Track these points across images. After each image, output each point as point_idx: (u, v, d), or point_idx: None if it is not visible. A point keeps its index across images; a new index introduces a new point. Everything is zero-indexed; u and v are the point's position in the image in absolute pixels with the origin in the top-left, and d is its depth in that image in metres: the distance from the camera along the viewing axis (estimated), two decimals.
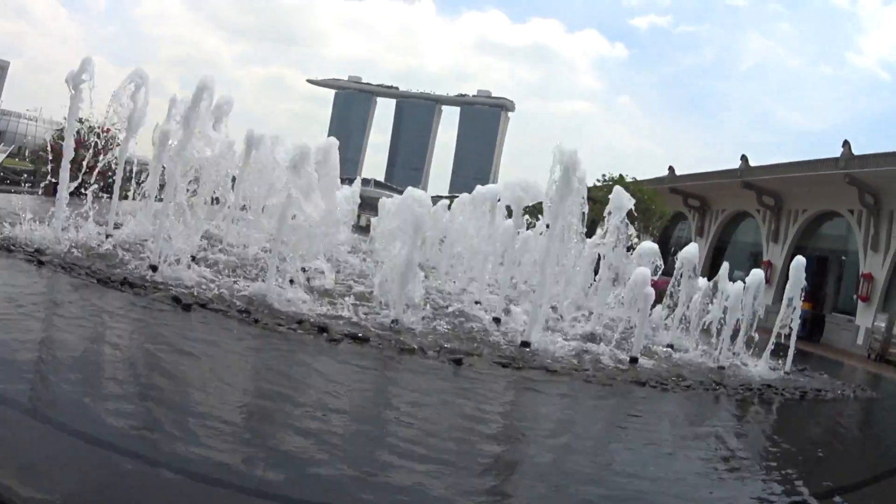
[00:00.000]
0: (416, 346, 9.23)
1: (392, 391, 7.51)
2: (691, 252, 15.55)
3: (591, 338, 13.41)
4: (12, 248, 10.63)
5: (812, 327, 31.49)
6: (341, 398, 6.55)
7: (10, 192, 24.20)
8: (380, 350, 8.81)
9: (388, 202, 18.34)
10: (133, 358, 6.61)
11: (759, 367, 14.23)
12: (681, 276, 15.63)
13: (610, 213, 15.62)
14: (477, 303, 14.59)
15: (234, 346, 7.90)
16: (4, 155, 42.86)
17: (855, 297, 30.91)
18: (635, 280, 12.78)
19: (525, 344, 10.84)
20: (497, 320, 12.88)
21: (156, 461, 4.26)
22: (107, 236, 13.31)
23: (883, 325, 27.13)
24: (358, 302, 11.32)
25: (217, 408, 5.50)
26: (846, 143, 31.02)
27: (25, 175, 28.24)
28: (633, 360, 11.63)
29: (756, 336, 15.14)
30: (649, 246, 15.90)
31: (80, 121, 32.28)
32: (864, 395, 14.70)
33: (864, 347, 28.18)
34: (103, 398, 5.21)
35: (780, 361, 15.20)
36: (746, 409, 10.44)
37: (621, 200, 14.82)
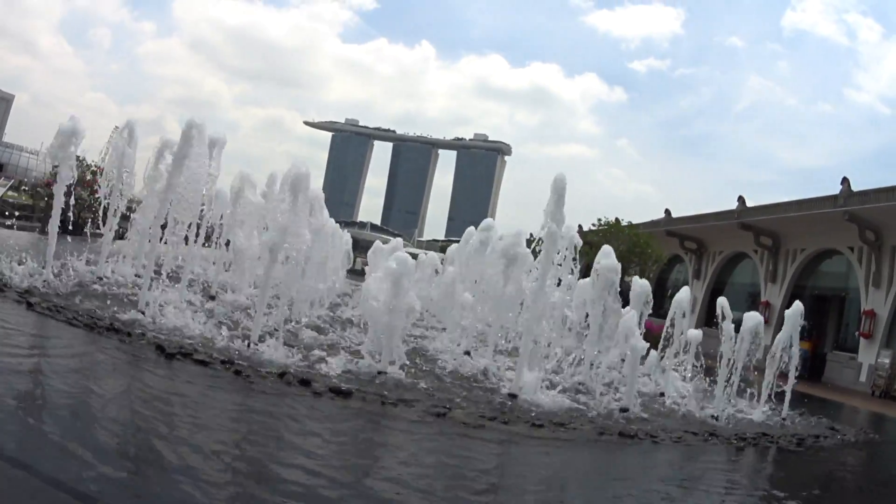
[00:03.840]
0: (398, 400, 8.91)
1: (370, 448, 7.16)
2: (684, 296, 15.18)
3: (582, 387, 13.18)
4: (3, 288, 10.88)
5: (812, 366, 31.36)
6: (315, 452, 6.21)
7: (10, 227, 24.55)
8: (363, 403, 8.52)
9: (377, 249, 17.86)
10: (110, 408, 6.37)
11: (756, 414, 13.91)
12: (674, 319, 15.16)
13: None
14: (467, 353, 14.26)
15: (214, 398, 7.73)
16: (5, 189, 43.19)
17: (856, 334, 30.60)
18: (623, 329, 12.51)
19: (512, 395, 10.53)
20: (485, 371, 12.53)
21: None
22: (98, 278, 13.65)
23: (887, 361, 27.09)
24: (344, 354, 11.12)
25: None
26: (845, 180, 30.98)
27: (16, 213, 28.14)
28: (624, 411, 11.31)
29: (751, 381, 14.65)
30: (642, 284, 15.52)
31: (77, 158, 32.59)
32: (867, 439, 14.32)
33: (867, 384, 28.12)
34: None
35: (777, 406, 14.90)
36: (739, 461, 10.06)
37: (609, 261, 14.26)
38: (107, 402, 6.51)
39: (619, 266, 13.89)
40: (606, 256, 13.97)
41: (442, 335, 16.29)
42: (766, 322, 36.26)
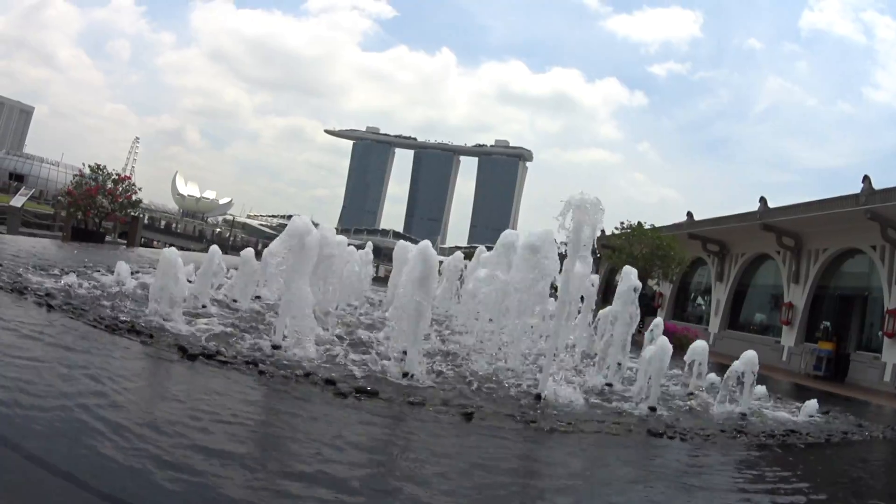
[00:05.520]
0: (424, 400, 9.02)
1: (397, 446, 7.20)
2: (701, 348, 14.95)
3: (608, 388, 13.28)
4: (24, 290, 11.16)
5: (836, 367, 31.32)
6: (342, 451, 6.33)
7: (34, 235, 25.19)
8: (388, 404, 8.60)
9: (401, 249, 17.86)
10: (131, 404, 6.44)
11: (781, 413, 13.87)
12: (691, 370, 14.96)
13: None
14: (496, 356, 14.38)
15: (237, 397, 7.74)
16: (25, 198, 44.05)
17: (880, 333, 30.47)
18: (654, 329, 12.65)
19: (538, 397, 10.62)
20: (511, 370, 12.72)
21: None
22: (121, 282, 14.12)
23: None
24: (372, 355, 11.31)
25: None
26: (866, 178, 30.76)
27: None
28: (652, 410, 11.41)
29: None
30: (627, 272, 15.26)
31: (98, 166, 33.16)
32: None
33: (893, 384, 27.86)
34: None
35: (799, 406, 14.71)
36: (767, 456, 10.12)
37: (630, 280, 14.28)
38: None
39: (639, 285, 13.97)
40: (627, 276, 14.12)
41: (467, 337, 16.39)
42: (789, 323, 36.45)
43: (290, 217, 16.70)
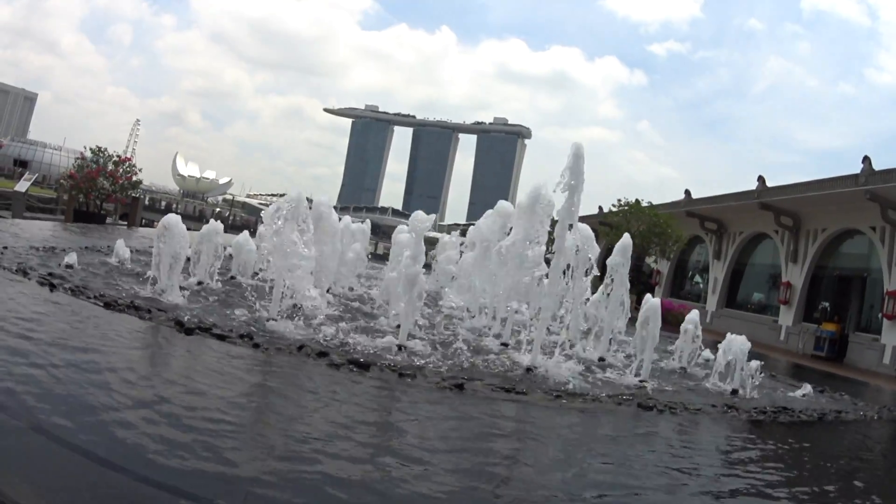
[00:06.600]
0: (415, 372, 8.94)
1: (391, 416, 7.19)
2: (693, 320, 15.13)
3: (600, 362, 13.24)
4: (28, 271, 11.31)
5: (835, 347, 31.31)
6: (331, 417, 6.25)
7: (37, 219, 25.79)
8: (381, 375, 8.57)
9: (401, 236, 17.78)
10: (139, 373, 6.57)
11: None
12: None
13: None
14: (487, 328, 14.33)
15: (229, 366, 7.77)
16: (29, 183, 44.57)
17: (880, 315, 30.37)
18: (647, 307, 12.56)
19: (530, 368, 10.54)
20: (505, 345, 12.66)
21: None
22: (120, 261, 14.85)
23: None
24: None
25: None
26: (866, 159, 30.57)
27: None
28: (642, 383, 11.36)
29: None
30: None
31: (100, 149, 33.23)
32: (891, 416, 14.08)
33: (892, 367, 27.87)
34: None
35: (801, 384, 14.72)
36: (754, 430, 10.00)
37: (626, 252, 14.27)
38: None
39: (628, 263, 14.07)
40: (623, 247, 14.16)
41: (461, 312, 16.29)
42: (787, 303, 36.39)
43: None
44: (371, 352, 9.82)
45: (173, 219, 11.64)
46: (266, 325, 10.34)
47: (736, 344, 13.19)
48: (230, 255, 16.45)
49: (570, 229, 11.46)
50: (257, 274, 15.64)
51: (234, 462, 4.66)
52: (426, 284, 11.64)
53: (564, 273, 11.66)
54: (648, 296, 13.71)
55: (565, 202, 11.40)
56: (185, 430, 5.04)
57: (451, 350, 11.08)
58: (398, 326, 10.92)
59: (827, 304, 34.04)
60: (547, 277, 11.75)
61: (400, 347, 10.21)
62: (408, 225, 13.35)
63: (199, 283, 13.64)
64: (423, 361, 9.78)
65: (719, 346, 13.58)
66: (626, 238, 14.35)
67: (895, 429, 13.34)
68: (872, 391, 20.40)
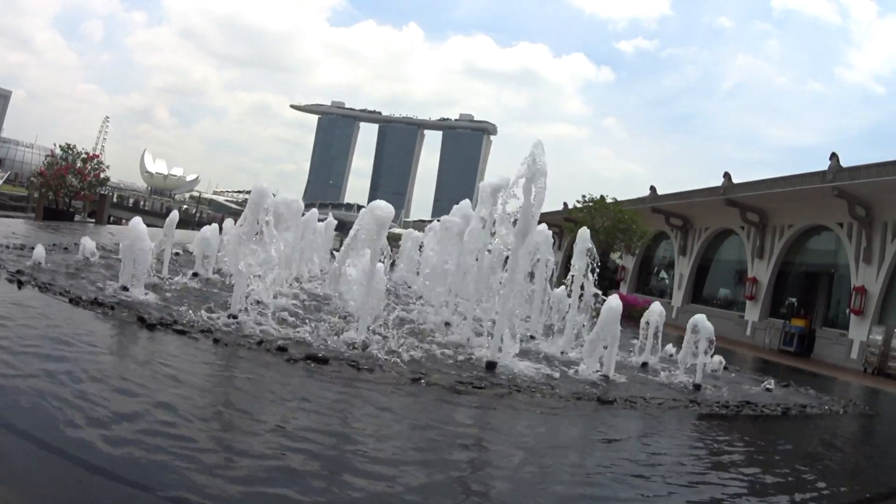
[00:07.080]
0: (374, 366, 8.77)
1: (339, 409, 6.94)
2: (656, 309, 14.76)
3: (563, 356, 13.12)
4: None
5: (804, 343, 31.50)
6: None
7: (8, 216, 26.11)
8: (339, 369, 8.32)
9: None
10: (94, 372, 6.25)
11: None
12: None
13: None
14: (447, 324, 13.91)
15: (189, 360, 7.72)
16: (1, 181, 44.40)
17: (847, 310, 30.50)
18: (609, 306, 12.15)
19: (490, 365, 10.20)
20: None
21: None
22: (85, 258, 14.52)
23: (879, 337, 27.01)
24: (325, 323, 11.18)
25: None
26: (834, 156, 30.61)
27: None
28: (605, 378, 11.26)
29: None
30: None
31: (68, 146, 32.82)
32: (858, 411, 14.12)
33: (859, 362, 28.13)
34: None
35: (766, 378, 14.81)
36: (716, 425, 9.74)
37: (585, 244, 14.12)
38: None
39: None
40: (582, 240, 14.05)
41: (424, 308, 15.86)
42: (753, 298, 36.39)
43: None
44: (331, 347, 9.56)
45: (135, 220, 11.39)
46: (227, 320, 10.01)
47: (701, 321, 13.13)
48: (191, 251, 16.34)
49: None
50: (220, 270, 15.35)
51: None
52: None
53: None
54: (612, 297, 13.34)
55: (524, 203, 11.02)
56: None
57: (411, 345, 10.69)
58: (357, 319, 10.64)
59: (794, 300, 34.03)
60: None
61: (361, 344, 9.90)
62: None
63: (161, 278, 13.31)
64: (383, 356, 9.47)
65: (687, 324, 13.44)
66: (584, 231, 14.58)
67: (860, 423, 13.35)
68: (839, 386, 20.42)
